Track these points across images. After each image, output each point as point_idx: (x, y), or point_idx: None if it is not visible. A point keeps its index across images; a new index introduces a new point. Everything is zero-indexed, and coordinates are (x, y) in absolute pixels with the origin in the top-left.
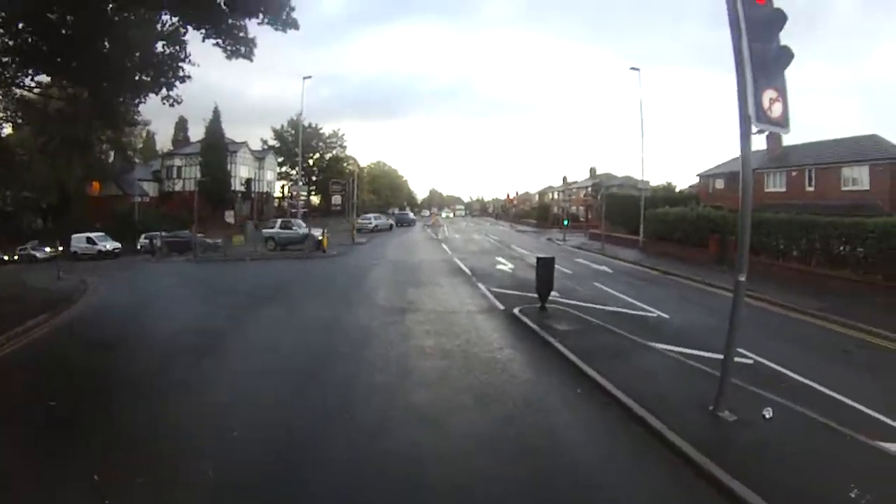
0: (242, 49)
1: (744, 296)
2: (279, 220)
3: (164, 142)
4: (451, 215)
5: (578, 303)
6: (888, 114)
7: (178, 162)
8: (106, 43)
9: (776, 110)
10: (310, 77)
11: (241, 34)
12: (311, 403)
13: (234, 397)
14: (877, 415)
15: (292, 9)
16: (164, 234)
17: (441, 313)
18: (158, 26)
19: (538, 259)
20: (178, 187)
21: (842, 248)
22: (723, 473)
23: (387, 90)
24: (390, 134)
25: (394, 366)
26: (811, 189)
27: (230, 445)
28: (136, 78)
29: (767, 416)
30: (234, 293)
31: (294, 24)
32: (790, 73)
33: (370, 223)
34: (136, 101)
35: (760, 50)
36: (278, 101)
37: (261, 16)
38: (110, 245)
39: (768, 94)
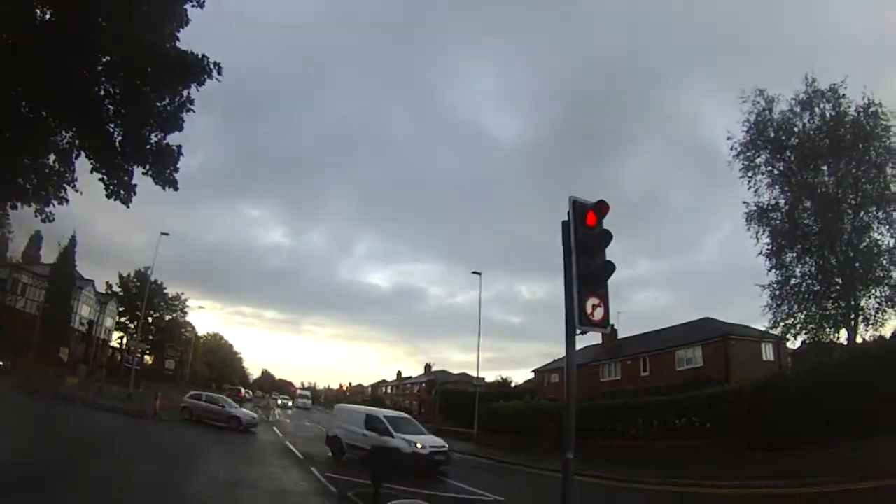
0: (122, 193)
1: (573, 471)
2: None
3: (13, 250)
4: (290, 403)
5: (415, 490)
6: (719, 297)
7: (24, 279)
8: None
9: (598, 314)
10: (167, 234)
11: (126, 178)
12: None
13: None
14: None
15: (177, 169)
16: None
17: (275, 492)
18: (56, 138)
19: (372, 447)
20: (18, 305)
21: (678, 420)
22: None
23: (228, 263)
24: (229, 308)
25: None
26: (646, 374)
27: None
28: (19, 181)
29: None
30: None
31: (174, 185)
32: (633, 272)
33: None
34: (10, 205)
35: (587, 264)
36: (124, 244)
37: (148, 166)
38: None
39: (591, 301)
